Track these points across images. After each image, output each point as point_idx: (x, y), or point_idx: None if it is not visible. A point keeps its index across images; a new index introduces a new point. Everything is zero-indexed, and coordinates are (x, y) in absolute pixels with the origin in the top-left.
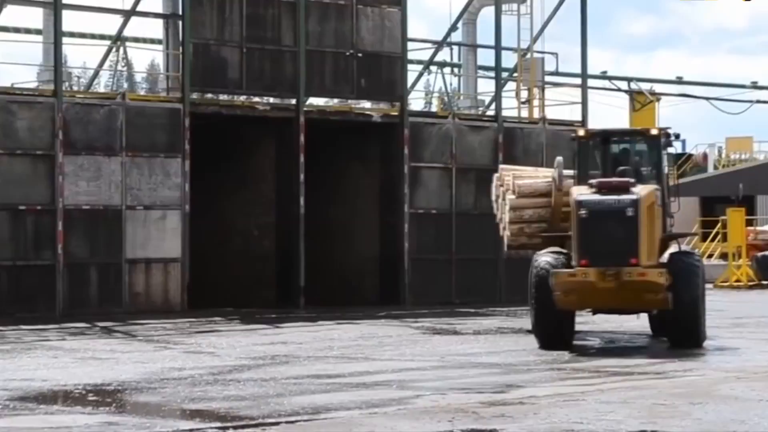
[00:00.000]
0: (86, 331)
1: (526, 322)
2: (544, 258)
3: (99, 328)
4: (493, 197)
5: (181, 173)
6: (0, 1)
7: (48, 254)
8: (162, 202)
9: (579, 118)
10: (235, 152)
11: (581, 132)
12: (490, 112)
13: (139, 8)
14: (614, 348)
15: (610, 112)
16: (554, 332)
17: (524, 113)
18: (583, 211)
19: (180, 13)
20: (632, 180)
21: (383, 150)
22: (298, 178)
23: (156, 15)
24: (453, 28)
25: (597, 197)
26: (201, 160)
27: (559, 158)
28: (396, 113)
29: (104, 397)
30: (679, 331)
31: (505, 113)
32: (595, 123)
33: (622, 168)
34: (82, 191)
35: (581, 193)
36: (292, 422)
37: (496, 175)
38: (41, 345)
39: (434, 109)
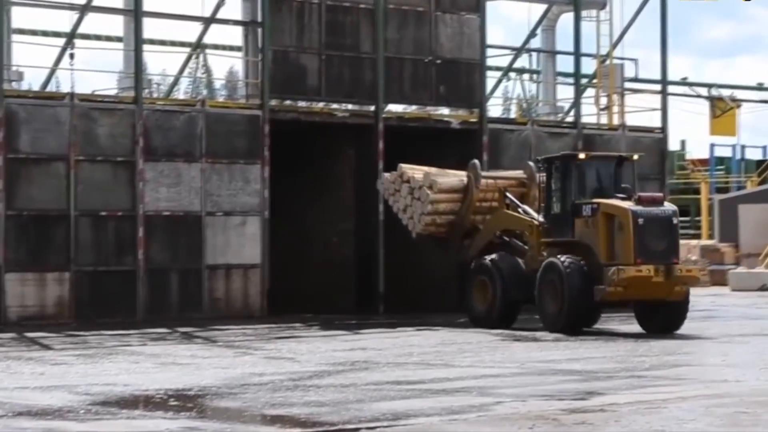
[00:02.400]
0: (167, 336)
1: (608, 329)
2: (569, 259)
3: (179, 334)
4: (389, 191)
5: (260, 179)
6: (81, 10)
7: (129, 260)
8: (242, 209)
9: (659, 124)
10: (314, 159)
11: (581, 155)
12: (569, 119)
13: (218, 15)
14: (692, 354)
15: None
16: (581, 320)
17: (603, 120)
18: (641, 220)
19: (259, 20)
20: (662, 194)
21: (462, 156)
22: (376, 184)
23: (236, 22)
24: (532, 34)
25: (647, 208)
26: (280, 167)
27: (476, 161)
28: (475, 120)
29: (185, 402)
30: (677, 319)
31: (584, 120)
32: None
33: (624, 185)
34: (162, 197)
35: (629, 205)
36: (372, 428)
37: (388, 174)
38: (123, 350)
39: (513, 115)
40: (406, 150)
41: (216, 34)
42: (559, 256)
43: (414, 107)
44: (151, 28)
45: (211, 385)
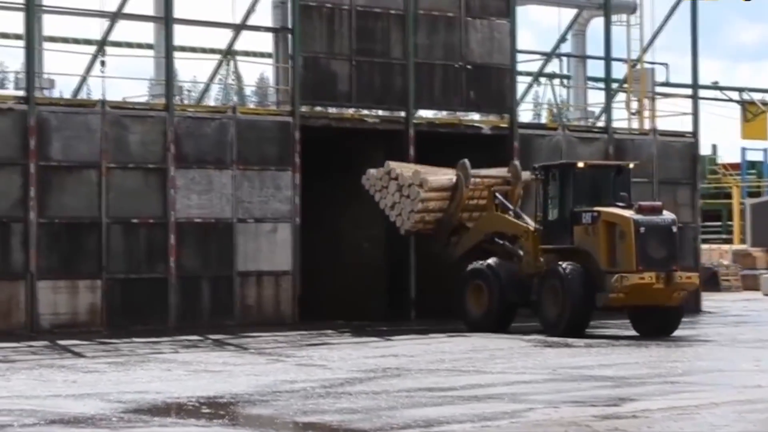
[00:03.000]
0: (199, 343)
1: (641, 336)
2: (570, 265)
3: (211, 341)
4: (375, 187)
5: (291, 186)
6: (112, 17)
7: (160, 267)
8: (273, 215)
9: (690, 128)
10: (344, 165)
11: (580, 164)
12: (600, 124)
13: (249, 22)
14: (724, 360)
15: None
16: (580, 324)
17: (634, 124)
18: (642, 228)
19: (290, 26)
20: (661, 203)
21: (493, 162)
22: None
23: (266, 29)
24: (562, 39)
25: (647, 217)
26: (311, 173)
27: (465, 160)
28: (505, 125)
29: (217, 409)
30: (672, 323)
31: (615, 124)
32: (706, 134)
33: (622, 194)
34: (193, 204)
35: (630, 214)
36: None
37: (374, 170)
38: (155, 357)
39: (544, 120)
40: (437, 155)
41: (246, 40)
42: (560, 263)
43: (444, 113)
44: (181, 35)
45: (243, 392)
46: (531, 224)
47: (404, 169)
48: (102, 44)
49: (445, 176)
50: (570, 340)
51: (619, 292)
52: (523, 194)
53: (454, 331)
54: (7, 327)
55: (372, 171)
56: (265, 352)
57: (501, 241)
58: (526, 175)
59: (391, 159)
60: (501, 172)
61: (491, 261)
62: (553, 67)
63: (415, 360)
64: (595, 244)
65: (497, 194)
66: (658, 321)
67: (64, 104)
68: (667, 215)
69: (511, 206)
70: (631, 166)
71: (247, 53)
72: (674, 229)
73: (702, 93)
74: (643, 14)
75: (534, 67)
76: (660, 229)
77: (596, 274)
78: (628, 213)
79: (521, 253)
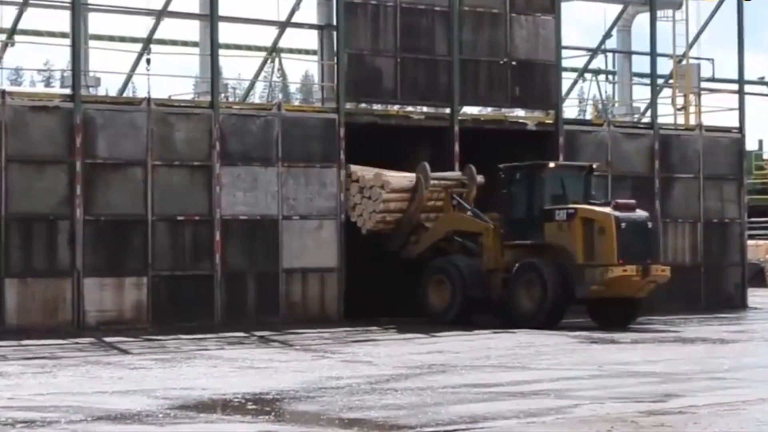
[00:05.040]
0: (244, 340)
1: (686, 331)
2: (548, 261)
3: (257, 338)
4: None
5: (336, 183)
6: (157, 15)
7: (206, 264)
8: (318, 212)
9: (736, 124)
10: (389, 162)
11: (551, 164)
12: (646, 119)
13: (294, 20)
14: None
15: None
16: (559, 315)
17: (680, 120)
18: (623, 224)
19: (334, 23)
20: (635, 201)
21: (538, 158)
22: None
23: (311, 26)
24: (607, 35)
25: (625, 214)
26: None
27: (425, 163)
28: (551, 121)
29: (263, 405)
30: (633, 314)
31: (660, 120)
32: (753, 129)
33: (592, 192)
34: (239, 201)
35: (610, 211)
36: (450, 431)
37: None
38: (200, 354)
39: (589, 116)
40: (482, 152)
41: (291, 37)
42: (533, 257)
43: (489, 109)
44: (226, 32)
45: (288, 388)
46: (490, 223)
47: (365, 172)
48: (147, 42)
49: (405, 179)
50: (616, 336)
51: (600, 285)
52: (476, 195)
53: (499, 328)
54: (53, 324)
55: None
56: (310, 349)
57: (459, 239)
58: (480, 177)
59: (437, 156)
60: (456, 174)
61: (453, 257)
62: (598, 63)
63: (460, 356)
64: (570, 239)
65: (454, 195)
66: (619, 312)
67: (109, 102)
68: (641, 212)
69: (468, 206)
70: (595, 166)
71: (291, 50)
72: (649, 224)
73: (748, 88)
74: (688, 9)
75: (579, 63)
76: (637, 224)
77: (571, 268)
78: (608, 210)
79: (483, 249)
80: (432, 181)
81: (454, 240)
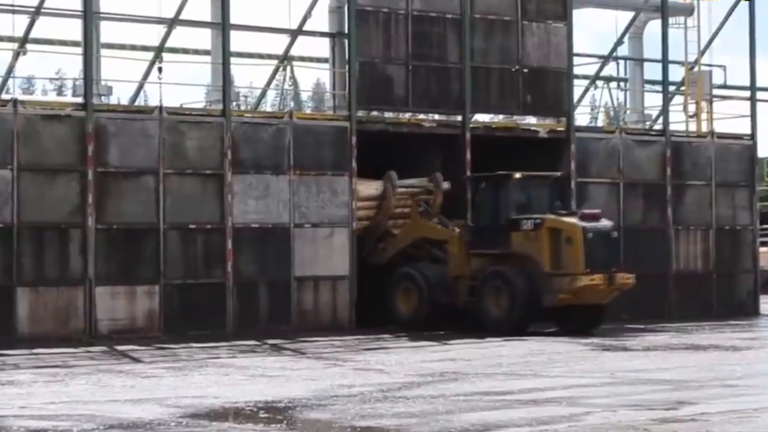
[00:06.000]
0: (256, 348)
1: (699, 338)
2: (515, 269)
3: (268, 346)
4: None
5: (348, 191)
6: (169, 24)
7: (218, 272)
8: (330, 220)
9: (748, 131)
10: (401, 169)
11: (517, 175)
12: (658, 126)
13: (305, 28)
14: None
15: None
16: (527, 322)
17: (692, 127)
18: (590, 234)
19: (346, 31)
20: (600, 210)
21: (550, 165)
22: (464, 194)
23: (322, 34)
24: (619, 42)
25: (591, 223)
26: (368, 178)
27: (392, 172)
28: (562, 128)
29: (275, 414)
30: (597, 320)
31: (672, 127)
32: (764, 136)
33: (557, 203)
34: (250, 210)
35: (577, 221)
36: None
37: None
38: (212, 362)
39: (601, 123)
40: (494, 159)
41: (303, 46)
42: (500, 266)
43: (501, 116)
44: (238, 40)
45: (300, 396)
46: (455, 230)
47: None
48: (159, 51)
49: (372, 187)
50: (628, 344)
51: (568, 293)
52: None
53: (511, 336)
54: (65, 333)
55: None
56: (322, 357)
57: (426, 246)
58: (446, 184)
59: (448, 164)
60: (422, 182)
61: (420, 264)
62: (610, 70)
63: (472, 364)
64: (537, 248)
65: (421, 203)
66: (584, 318)
67: (121, 111)
68: (606, 222)
69: (434, 213)
70: (558, 175)
71: (303, 58)
72: (614, 234)
73: (760, 95)
74: (700, 16)
75: (591, 70)
76: (603, 234)
77: (538, 277)
78: (574, 220)
79: (448, 257)
80: (399, 189)
81: (423, 247)
